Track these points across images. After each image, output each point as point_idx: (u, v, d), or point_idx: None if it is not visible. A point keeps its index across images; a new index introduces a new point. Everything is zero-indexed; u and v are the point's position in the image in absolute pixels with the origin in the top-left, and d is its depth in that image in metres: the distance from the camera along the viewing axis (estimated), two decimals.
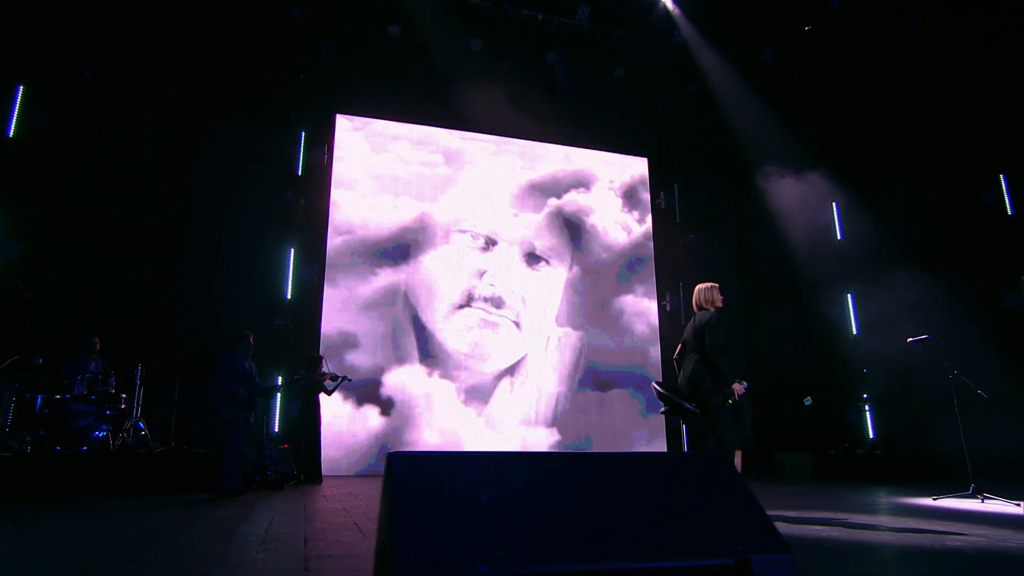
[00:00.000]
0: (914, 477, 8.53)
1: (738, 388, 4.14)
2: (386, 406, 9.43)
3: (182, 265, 9.04)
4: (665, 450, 10.35)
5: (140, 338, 8.27)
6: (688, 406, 4.20)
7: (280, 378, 8.46)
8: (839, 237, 12.38)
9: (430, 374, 9.79)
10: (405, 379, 9.66)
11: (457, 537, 1.08)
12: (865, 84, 11.46)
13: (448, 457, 1.32)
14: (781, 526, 3.49)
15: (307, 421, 7.29)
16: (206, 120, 9.63)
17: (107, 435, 5.74)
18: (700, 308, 4.55)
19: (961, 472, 5.74)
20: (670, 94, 12.01)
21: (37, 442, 5.56)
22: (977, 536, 3.32)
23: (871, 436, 11.35)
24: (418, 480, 1.18)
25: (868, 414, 11.51)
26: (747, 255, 11.67)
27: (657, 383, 4.43)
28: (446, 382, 9.83)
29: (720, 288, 4.59)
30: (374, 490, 6.10)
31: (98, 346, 6.43)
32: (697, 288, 4.64)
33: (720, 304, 4.50)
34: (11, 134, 8.51)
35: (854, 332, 11.72)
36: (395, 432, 9.35)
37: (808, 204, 10.84)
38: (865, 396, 11.09)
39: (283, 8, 9.74)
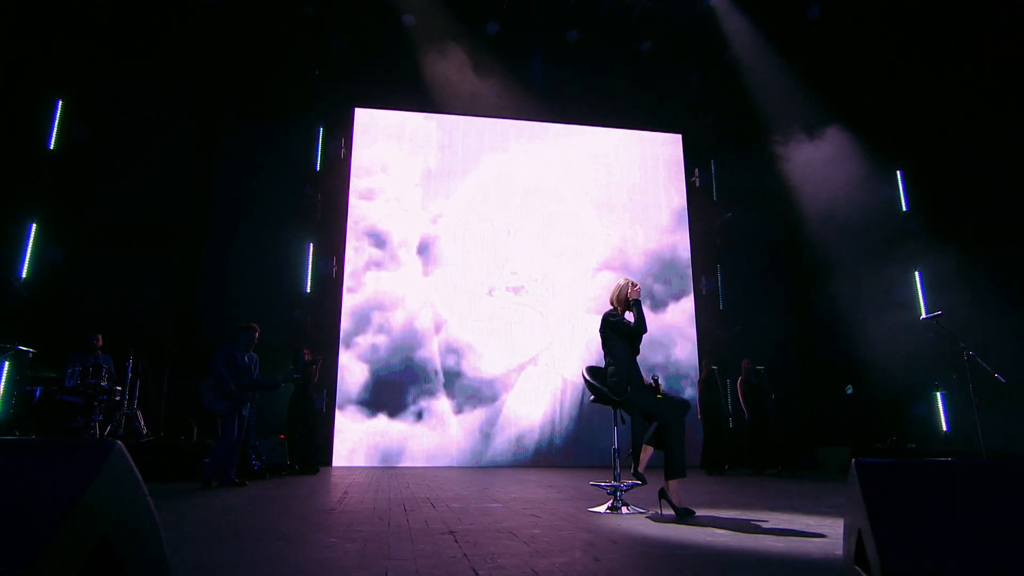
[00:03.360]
0: None
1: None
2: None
3: (204, 262, 9.40)
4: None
5: (167, 334, 8.67)
6: (615, 398, 3.83)
7: (295, 372, 8.54)
8: (904, 209, 11.15)
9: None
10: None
11: None
12: (929, 37, 10.17)
13: None
14: (662, 526, 3.05)
15: (302, 413, 7.36)
16: (226, 121, 9.95)
17: (95, 426, 6.02)
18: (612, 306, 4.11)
19: None
20: (701, 66, 11.24)
21: (37, 431, 5.90)
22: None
23: (944, 429, 10.17)
24: None
25: (941, 405, 10.32)
26: (791, 231, 10.68)
27: (587, 369, 4.06)
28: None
29: (637, 287, 4.07)
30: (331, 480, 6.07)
31: (100, 342, 6.72)
32: (615, 284, 4.14)
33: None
34: (51, 146, 9.13)
35: (922, 314, 10.52)
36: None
37: (858, 172, 9.79)
38: (935, 383, 9.94)
39: (296, 4, 9.88)
